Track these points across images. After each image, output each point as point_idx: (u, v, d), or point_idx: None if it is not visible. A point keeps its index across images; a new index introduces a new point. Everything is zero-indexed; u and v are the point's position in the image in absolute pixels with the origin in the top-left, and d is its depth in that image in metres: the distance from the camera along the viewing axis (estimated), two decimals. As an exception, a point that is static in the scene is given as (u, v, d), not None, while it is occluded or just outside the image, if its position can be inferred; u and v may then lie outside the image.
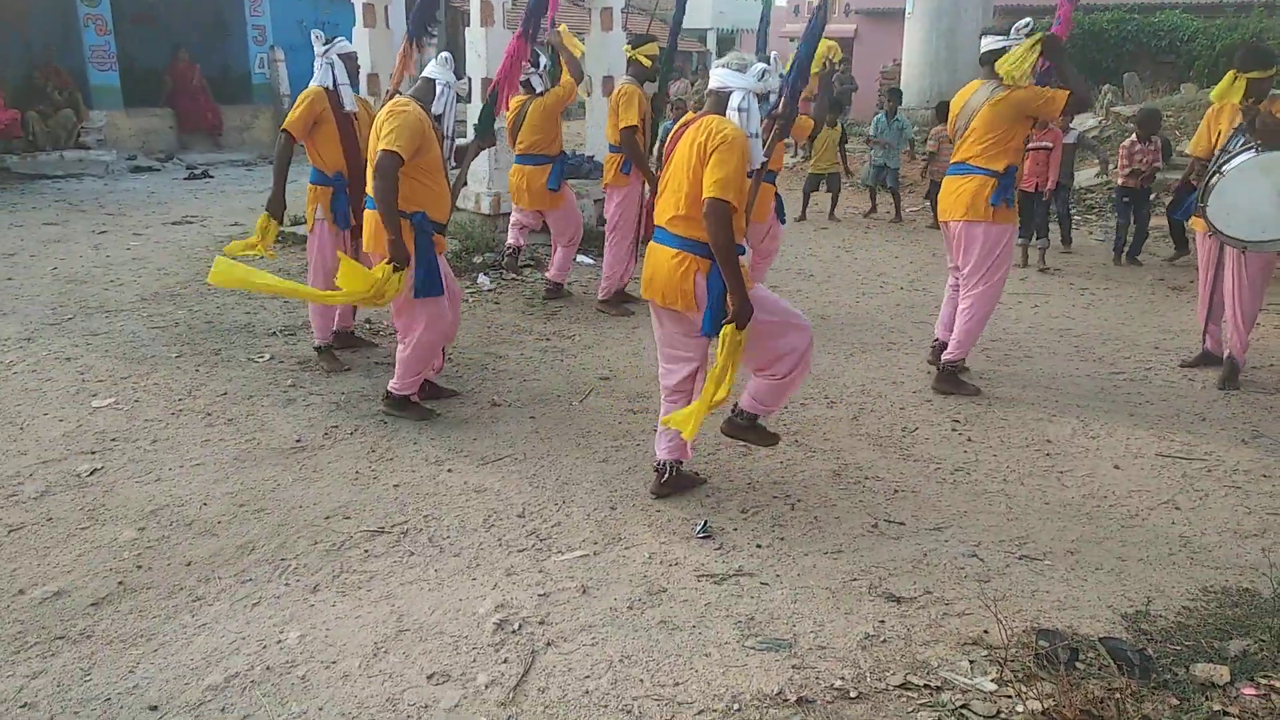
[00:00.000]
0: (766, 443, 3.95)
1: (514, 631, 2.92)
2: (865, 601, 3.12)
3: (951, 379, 5.18)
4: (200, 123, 14.81)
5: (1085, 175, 10.70)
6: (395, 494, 3.85)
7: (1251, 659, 2.71)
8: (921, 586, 3.22)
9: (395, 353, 4.65)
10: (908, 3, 16.50)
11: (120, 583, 3.16)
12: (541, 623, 2.97)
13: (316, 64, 5.16)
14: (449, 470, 4.08)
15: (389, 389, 4.64)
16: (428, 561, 3.34)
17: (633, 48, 6.47)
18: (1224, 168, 4.96)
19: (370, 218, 4.45)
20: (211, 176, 12.57)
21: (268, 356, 5.44)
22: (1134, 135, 8.51)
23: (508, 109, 6.03)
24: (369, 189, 4.44)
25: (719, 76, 3.55)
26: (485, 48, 7.81)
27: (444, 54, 4.59)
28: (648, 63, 6.38)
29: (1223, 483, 4.09)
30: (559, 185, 6.43)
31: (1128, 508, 3.87)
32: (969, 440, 4.54)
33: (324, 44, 5.15)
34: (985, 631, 2.92)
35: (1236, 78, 5.12)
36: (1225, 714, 2.49)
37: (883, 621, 3.00)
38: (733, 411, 3.89)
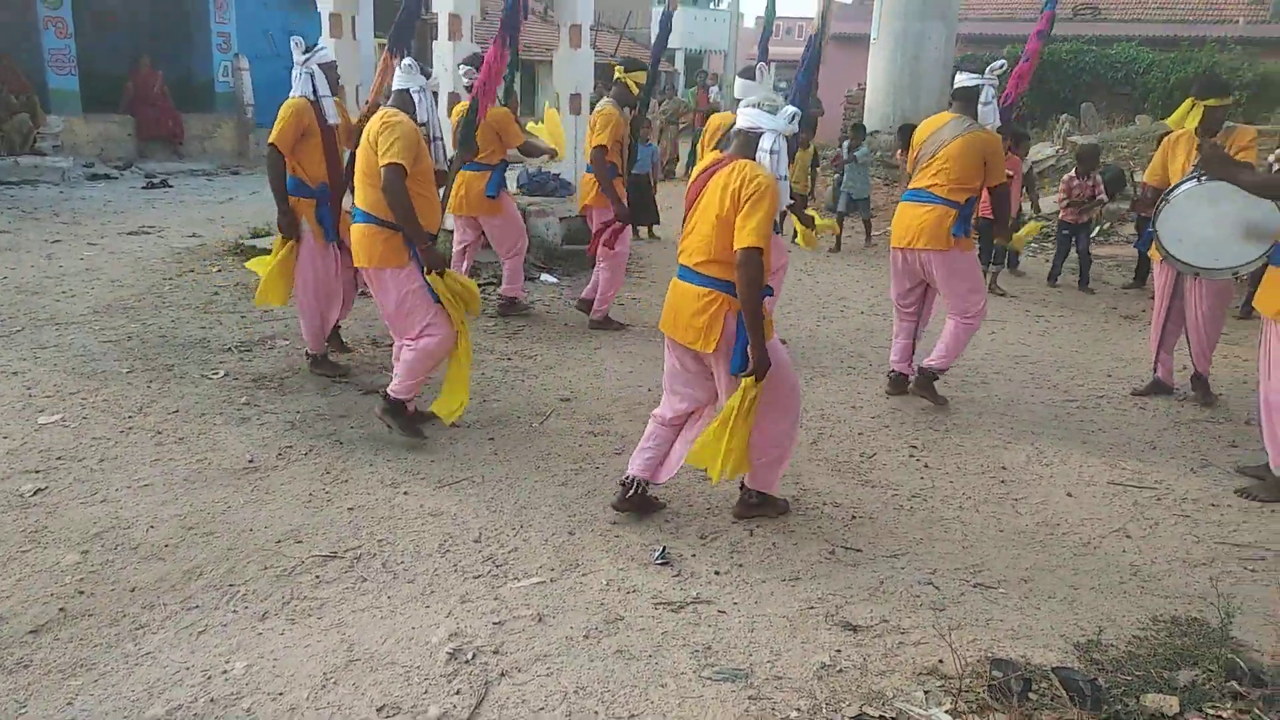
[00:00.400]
0: (781, 512, 3.98)
1: (467, 661, 2.87)
2: (822, 630, 3.12)
3: (929, 386, 5.34)
4: (160, 130, 14.62)
5: (1045, 204, 10.88)
6: (349, 517, 3.79)
7: (1200, 689, 2.74)
8: (878, 615, 3.22)
9: (396, 356, 4.63)
10: (872, 29, 16.73)
11: (61, 609, 3.07)
12: (495, 652, 2.93)
13: (295, 73, 5.09)
14: (405, 493, 4.03)
15: (388, 390, 4.54)
16: (380, 588, 3.29)
17: (625, 70, 6.53)
18: (1171, 195, 5.11)
19: (361, 233, 4.41)
20: (171, 186, 12.39)
21: (222, 373, 5.34)
22: (1074, 170, 8.76)
23: (484, 118, 6.05)
24: (358, 202, 4.42)
25: (750, 117, 3.54)
26: (452, 61, 7.79)
27: (406, 61, 4.56)
28: (635, 89, 6.49)
29: (1172, 511, 4.15)
30: (496, 192, 6.42)
31: (1080, 536, 3.91)
32: (926, 466, 4.58)
33: (304, 53, 5.06)
34: (940, 661, 2.93)
35: (1194, 105, 5.26)
36: (1173, 746, 2.52)
37: (839, 651, 3.00)
38: (741, 491, 3.93)
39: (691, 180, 3.70)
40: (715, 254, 3.51)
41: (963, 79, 5.11)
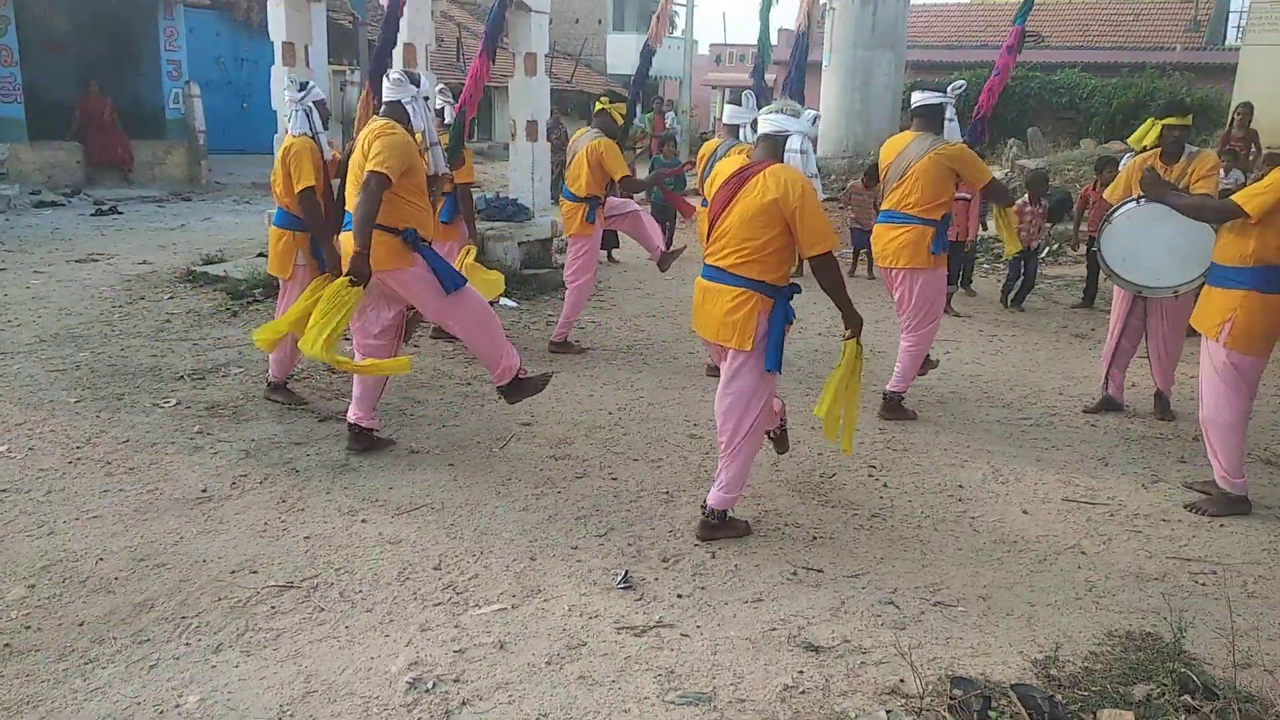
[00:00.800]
0: (742, 534, 3.99)
1: (427, 691, 2.83)
2: (784, 651, 3.12)
3: (896, 407, 5.52)
4: (110, 157, 14.40)
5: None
6: (305, 546, 3.73)
7: (1155, 704, 2.79)
8: (839, 635, 3.23)
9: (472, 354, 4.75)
10: (824, 55, 17.02)
11: (6, 645, 2.98)
12: (456, 681, 2.89)
13: (291, 111, 5.12)
14: (363, 521, 3.97)
15: (497, 386, 4.67)
16: (338, 617, 3.23)
17: (609, 102, 6.74)
18: (1112, 216, 5.29)
19: (350, 241, 4.35)
20: (120, 213, 12.18)
21: (174, 402, 5.24)
22: (1025, 196, 8.95)
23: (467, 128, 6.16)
24: (349, 206, 4.36)
25: (775, 122, 3.73)
26: (406, 89, 7.78)
27: (393, 74, 4.54)
28: (620, 120, 6.74)
29: (1125, 527, 4.23)
30: (450, 218, 6.49)
31: (1036, 552, 3.96)
32: (885, 485, 4.62)
33: (300, 91, 5.10)
34: (901, 680, 2.94)
35: (1154, 124, 5.42)
36: (1130, 759, 2.55)
37: (801, 672, 3.01)
38: (703, 512, 3.94)
39: (718, 185, 3.81)
40: (751, 255, 3.66)
41: (925, 97, 5.23)
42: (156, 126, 15.44)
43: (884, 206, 5.35)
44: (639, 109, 8.96)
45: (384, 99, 4.54)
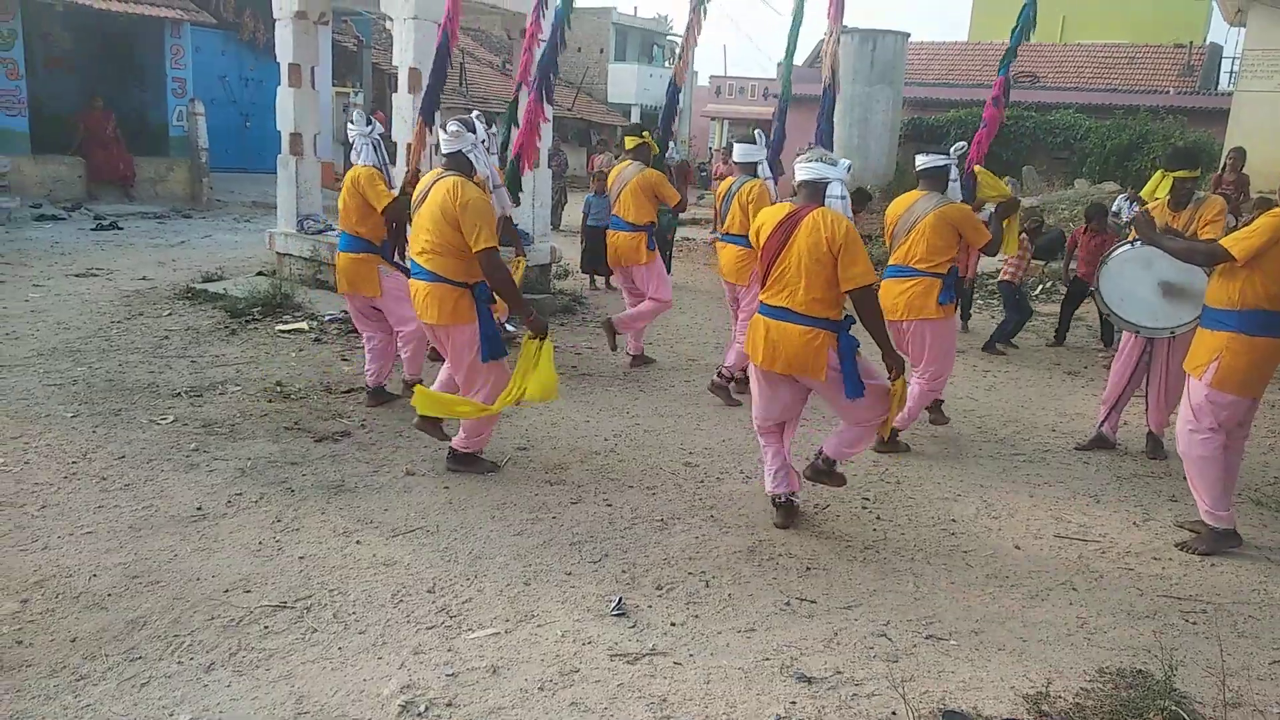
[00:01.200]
0: (838, 484, 4.53)
1: (419, 714, 2.83)
2: (777, 682, 3.13)
3: (892, 441, 5.59)
4: (112, 172, 14.45)
5: (991, 262, 11.17)
6: (300, 566, 3.73)
7: (1145, 741, 2.80)
8: (832, 666, 3.24)
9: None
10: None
11: (-3, 660, 2.97)
12: (449, 705, 2.89)
13: (359, 145, 5.49)
14: (357, 542, 3.98)
15: (453, 447, 4.80)
16: (331, 639, 3.23)
17: (641, 133, 7.04)
18: (1109, 258, 5.39)
19: (430, 290, 4.48)
20: (121, 228, 12.22)
21: (171, 419, 5.25)
22: (1024, 237, 9.01)
23: (531, 169, 6.30)
24: (426, 263, 4.47)
25: (815, 170, 4.06)
26: (412, 114, 7.85)
27: (451, 126, 4.54)
28: (656, 149, 7.07)
29: (1116, 564, 4.25)
30: None
31: (1028, 588, 3.98)
32: (878, 518, 4.63)
33: (367, 125, 5.49)
34: (893, 713, 2.95)
35: (1164, 176, 5.50)
36: (1121, 797, 2.55)
37: (794, 703, 3.01)
38: (816, 457, 4.43)
39: (770, 230, 4.11)
40: (819, 293, 4.00)
41: (931, 160, 5.38)
42: (160, 143, 15.52)
43: (891, 261, 5.45)
44: (670, 142, 9.18)
45: (444, 150, 4.57)
